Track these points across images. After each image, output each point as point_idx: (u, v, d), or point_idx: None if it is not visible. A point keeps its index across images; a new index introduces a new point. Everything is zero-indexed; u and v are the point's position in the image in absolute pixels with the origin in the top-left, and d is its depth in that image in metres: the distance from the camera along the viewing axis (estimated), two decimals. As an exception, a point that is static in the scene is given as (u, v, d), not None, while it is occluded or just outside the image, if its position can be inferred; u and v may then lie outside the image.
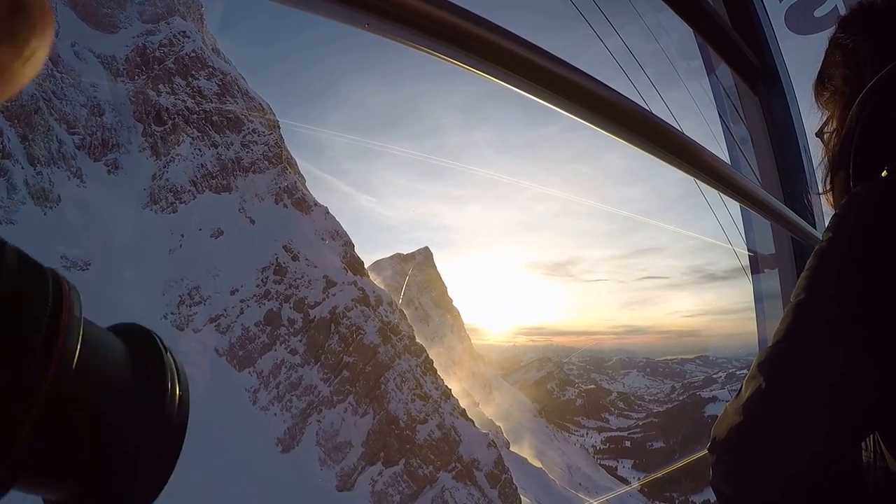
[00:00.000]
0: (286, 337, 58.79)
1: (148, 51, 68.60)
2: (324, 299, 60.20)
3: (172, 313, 58.41)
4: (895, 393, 0.59)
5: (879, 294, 0.60)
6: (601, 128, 0.80)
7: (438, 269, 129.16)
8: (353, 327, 59.55)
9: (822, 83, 0.92)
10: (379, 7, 0.59)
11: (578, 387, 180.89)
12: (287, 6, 0.58)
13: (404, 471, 56.67)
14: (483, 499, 59.95)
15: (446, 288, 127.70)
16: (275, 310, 59.14)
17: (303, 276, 61.01)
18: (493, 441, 65.89)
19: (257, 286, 60.21)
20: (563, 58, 0.72)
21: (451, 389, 67.38)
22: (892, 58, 0.76)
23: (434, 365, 66.97)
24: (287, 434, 54.76)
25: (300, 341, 58.91)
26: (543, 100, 0.71)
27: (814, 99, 0.96)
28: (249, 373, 57.03)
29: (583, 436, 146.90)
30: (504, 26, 0.65)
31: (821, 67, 0.93)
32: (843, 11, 1.12)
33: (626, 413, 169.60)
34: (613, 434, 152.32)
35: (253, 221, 64.76)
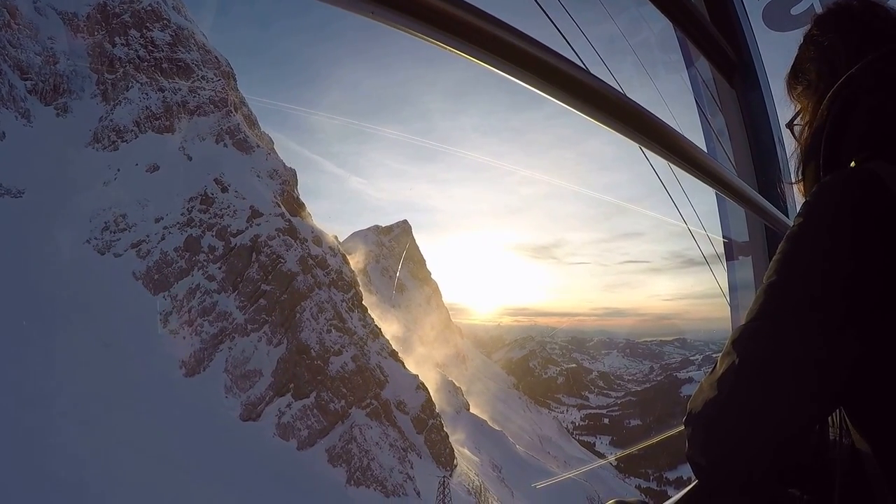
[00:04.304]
0: (205, 263, 51.99)
1: (108, 8, 64.71)
2: (247, 228, 53.28)
3: (96, 238, 52.84)
4: (859, 371, 0.58)
5: (844, 276, 0.59)
6: (584, 112, 0.76)
7: (425, 248, 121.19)
8: (274, 255, 52.24)
9: (796, 77, 0.89)
10: None
11: (560, 365, 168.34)
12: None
13: (315, 404, 48.28)
14: (402, 440, 50.70)
15: (425, 261, 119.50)
16: (195, 236, 52.50)
17: (229, 207, 54.42)
18: (421, 384, 56.74)
19: (182, 214, 53.93)
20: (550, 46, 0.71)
21: (381, 329, 58.84)
22: (865, 56, 0.75)
23: (364, 302, 58.70)
24: (192, 358, 47.44)
25: (219, 268, 51.98)
26: (532, 85, 0.70)
27: (786, 91, 0.92)
28: (164, 297, 50.35)
29: (563, 412, 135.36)
30: (498, 16, 0.65)
31: (795, 61, 0.89)
32: (819, 10, 1.10)
33: (605, 391, 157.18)
34: (593, 411, 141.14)
35: (190, 158, 58.91)
